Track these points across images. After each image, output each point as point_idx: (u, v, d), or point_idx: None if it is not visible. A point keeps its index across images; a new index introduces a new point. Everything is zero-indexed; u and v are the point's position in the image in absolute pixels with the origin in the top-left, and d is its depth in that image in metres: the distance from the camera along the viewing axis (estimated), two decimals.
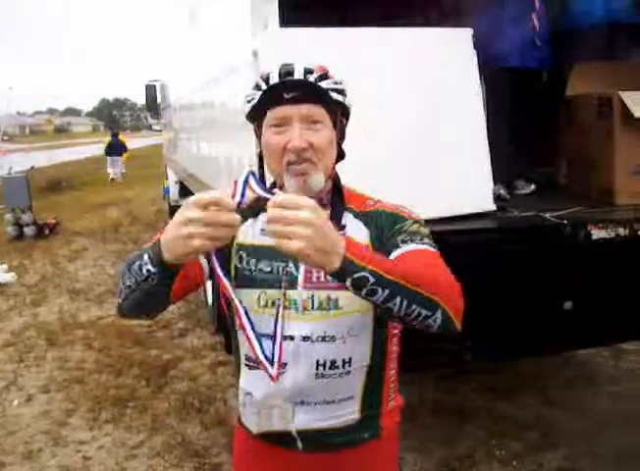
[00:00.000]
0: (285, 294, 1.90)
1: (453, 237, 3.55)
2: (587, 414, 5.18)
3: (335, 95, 1.92)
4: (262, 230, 1.94)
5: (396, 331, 2.06)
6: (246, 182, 1.67)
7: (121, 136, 28.90)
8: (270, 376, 1.83)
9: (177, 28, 8.92)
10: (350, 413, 2.00)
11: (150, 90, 13.69)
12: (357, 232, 1.94)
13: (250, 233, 1.98)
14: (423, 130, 3.75)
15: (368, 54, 3.70)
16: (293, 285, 1.93)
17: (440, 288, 1.72)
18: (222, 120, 5.47)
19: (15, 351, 7.27)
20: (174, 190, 13.83)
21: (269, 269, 1.94)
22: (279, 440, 2.04)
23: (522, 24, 4.90)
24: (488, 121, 4.00)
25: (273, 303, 1.93)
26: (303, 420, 1.98)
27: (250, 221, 1.98)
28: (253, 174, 1.68)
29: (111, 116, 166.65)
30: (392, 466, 2.19)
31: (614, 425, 4.96)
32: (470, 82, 3.95)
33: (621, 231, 3.92)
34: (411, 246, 1.85)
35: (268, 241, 1.82)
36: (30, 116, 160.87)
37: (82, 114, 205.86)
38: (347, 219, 1.97)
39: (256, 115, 1.96)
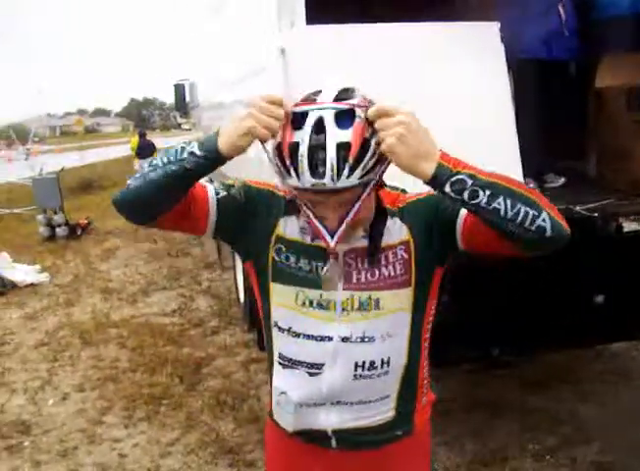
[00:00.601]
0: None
1: None
2: (620, 408, 5.14)
3: (369, 176, 1.74)
4: (302, 228, 1.95)
5: (429, 326, 2.06)
6: None
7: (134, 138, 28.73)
8: (327, 245, 1.81)
9: (205, 27, 8.96)
10: (385, 412, 2.02)
11: (179, 90, 13.74)
12: (396, 231, 1.94)
13: (290, 228, 1.96)
14: (451, 125, 3.74)
15: (395, 49, 3.70)
16: (330, 286, 1.92)
17: (537, 194, 1.71)
18: None
19: (49, 351, 7.33)
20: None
21: (308, 268, 1.93)
22: (313, 438, 2.06)
23: (549, 15, 4.88)
24: (516, 114, 3.99)
25: (311, 303, 1.93)
26: (339, 420, 1.99)
27: (293, 217, 1.97)
28: None
29: (140, 116, 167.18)
30: (424, 461, 2.20)
31: None
32: (498, 76, 3.94)
33: None
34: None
35: (308, 240, 1.92)
36: (61, 117, 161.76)
37: (112, 114, 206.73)
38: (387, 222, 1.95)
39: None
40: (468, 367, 5.33)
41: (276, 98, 1.70)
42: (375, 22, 3.82)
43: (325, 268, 1.88)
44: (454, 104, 3.78)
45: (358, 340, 1.92)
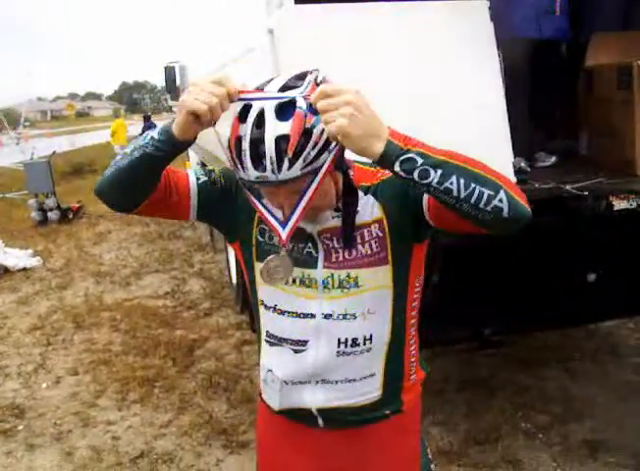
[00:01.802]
0: None
1: None
2: (612, 386, 5.17)
3: (315, 163, 1.72)
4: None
5: (415, 303, 2.06)
6: None
7: (120, 121, 28.60)
8: (279, 237, 1.81)
9: (194, 9, 8.91)
10: (372, 391, 2.02)
11: (169, 72, 13.65)
12: (369, 208, 1.93)
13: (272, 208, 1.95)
14: (441, 104, 3.74)
15: (384, 29, 3.68)
16: (314, 264, 1.94)
17: (496, 174, 1.66)
18: None
19: (42, 335, 7.33)
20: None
21: (291, 247, 1.93)
22: (300, 417, 2.06)
23: None
24: (507, 93, 3.98)
25: (294, 281, 1.94)
26: (324, 398, 2.00)
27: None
28: None
29: (131, 99, 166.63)
30: (414, 439, 2.20)
31: (638, 396, 4.95)
32: (488, 54, 3.93)
33: None
34: None
35: None
36: (51, 101, 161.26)
37: (103, 98, 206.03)
38: (359, 198, 1.93)
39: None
40: (460, 347, 5.36)
41: (221, 78, 1.68)
42: (364, 1, 3.81)
43: (268, 258, 1.90)
44: (443, 83, 3.77)
45: (340, 317, 1.93)
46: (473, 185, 1.59)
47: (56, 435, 5.09)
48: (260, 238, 1.99)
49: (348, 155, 1.82)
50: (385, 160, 1.59)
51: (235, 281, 7.31)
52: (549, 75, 4.89)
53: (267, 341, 2.07)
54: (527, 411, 4.88)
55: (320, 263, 1.94)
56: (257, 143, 1.68)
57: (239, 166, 1.73)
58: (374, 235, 1.93)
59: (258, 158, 1.69)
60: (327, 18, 3.63)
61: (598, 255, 4.09)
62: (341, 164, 1.85)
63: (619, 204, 3.87)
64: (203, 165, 11.30)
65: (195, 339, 6.78)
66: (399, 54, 3.65)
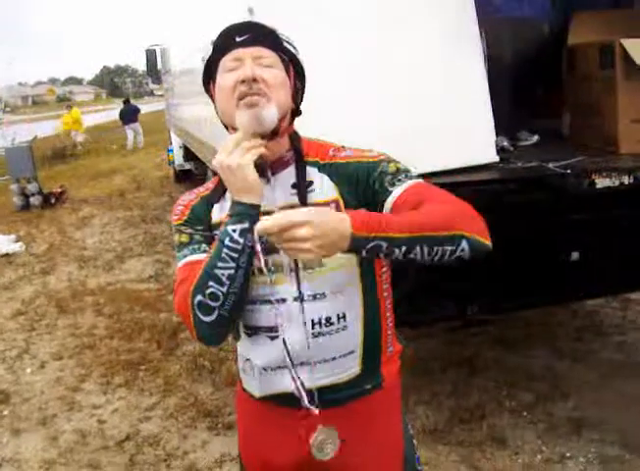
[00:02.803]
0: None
1: (457, 189, 3.54)
2: (596, 364, 5.20)
3: (287, 46, 1.92)
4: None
5: (384, 276, 2.05)
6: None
7: (73, 111, 28.49)
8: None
9: None
10: (352, 367, 2.00)
11: (151, 55, 13.62)
12: (325, 188, 1.93)
13: (218, 212, 1.99)
14: (422, 83, 3.73)
15: (364, 9, 3.67)
16: (276, 249, 1.88)
17: (455, 219, 1.73)
18: None
19: (26, 320, 7.32)
20: (178, 155, 13.84)
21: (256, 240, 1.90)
22: (282, 400, 2.05)
23: None
24: (489, 72, 3.97)
25: (260, 270, 1.90)
26: (305, 380, 1.97)
27: (220, 202, 2.00)
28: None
29: (112, 83, 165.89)
30: (396, 413, 2.19)
31: (623, 374, 4.98)
32: (470, 33, 3.92)
33: (625, 179, 3.90)
34: (402, 186, 1.84)
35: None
36: (32, 86, 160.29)
37: (84, 82, 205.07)
38: (313, 174, 1.95)
39: (210, 71, 1.96)
40: (445, 326, 5.37)
41: (238, 138, 1.78)
42: None
43: (316, 434, 2.00)
44: (424, 63, 3.76)
45: (310, 298, 1.91)
46: (436, 248, 1.69)
47: (41, 419, 5.08)
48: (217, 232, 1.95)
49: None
50: (352, 251, 1.66)
51: None
52: (531, 53, 4.89)
53: (245, 333, 2.05)
54: (512, 389, 4.89)
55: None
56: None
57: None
58: None
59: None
60: None
61: (581, 233, 4.09)
62: (296, 103, 1.96)
63: (602, 182, 3.87)
64: (186, 148, 11.27)
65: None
66: (379, 30, 3.64)
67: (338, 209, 1.88)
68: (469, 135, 3.86)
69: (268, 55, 1.86)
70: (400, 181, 1.85)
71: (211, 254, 1.80)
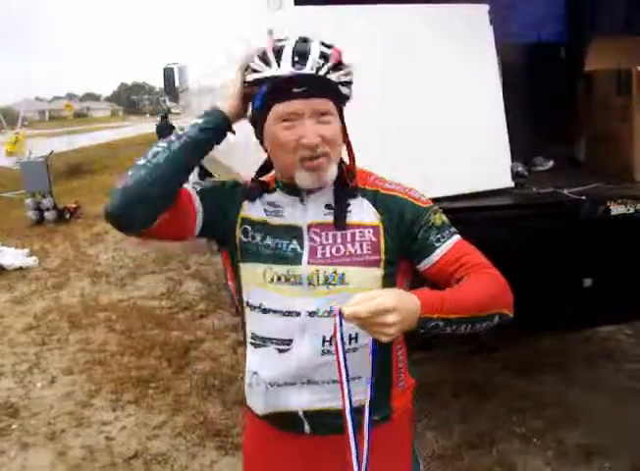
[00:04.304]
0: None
1: (472, 214, 3.55)
2: (607, 392, 5.16)
3: (344, 89, 1.90)
4: (265, 210, 1.98)
5: None
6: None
7: (20, 134, 28.29)
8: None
9: (193, 10, 8.92)
10: (359, 393, 1.90)
11: (168, 73, 13.68)
12: (365, 212, 1.95)
13: (255, 210, 1.99)
14: (439, 108, 3.74)
15: (384, 32, 3.68)
16: (298, 261, 1.93)
17: (496, 299, 1.86)
18: None
19: (37, 334, 7.32)
20: (193, 173, 13.87)
21: (275, 245, 1.94)
22: (286, 422, 2.04)
23: None
24: (505, 97, 3.97)
25: (279, 278, 1.93)
26: (310, 400, 1.97)
27: (257, 201, 2.00)
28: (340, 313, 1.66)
29: (130, 100, 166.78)
30: (404, 448, 2.16)
31: (635, 402, 4.94)
32: (487, 58, 3.93)
33: None
34: (446, 245, 1.91)
35: (274, 220, 1.96)
36: (50, 101, 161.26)
37: (101, 99, 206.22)
38: (352, 196, 1.97)
39: (262, 111, 1.89)
40: (455, 351, 5.34)
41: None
42: (364, 4, 3.81)
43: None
44: (442, 87, 3.77)
45: (325, 314, 1.90)
46: (477, 325, 1.81)
47: (50, 434, 5.07)
48: (243, 238, 1.98)
49: None
50: (413, 329, 1.70)
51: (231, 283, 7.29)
52: (547, 79, 4.89)
53: (252, 344, 2.04)
54: (522, 416, 4.86)
55: (304, 259, 1.93)
56: (301, 45, 1.85)
57: (272, 60, 1.84)
58: (367, 237, 1.94)
59: (299, 55, 1.83)
60: (327, 19, 3.62)
61: (595, 260, 4.08)
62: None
63: (617, 209, 3.87)
64: (200, 165, 11.29)
65: (191, 340, 6.77)
66: (398, 58, 3.66)
67: (376, 235, 1.94)
68: (485, 160, 3.86)
69: (325, 106, 1.84)
70: (444, 237, 1.92)
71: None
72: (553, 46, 5.03)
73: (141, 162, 1.85)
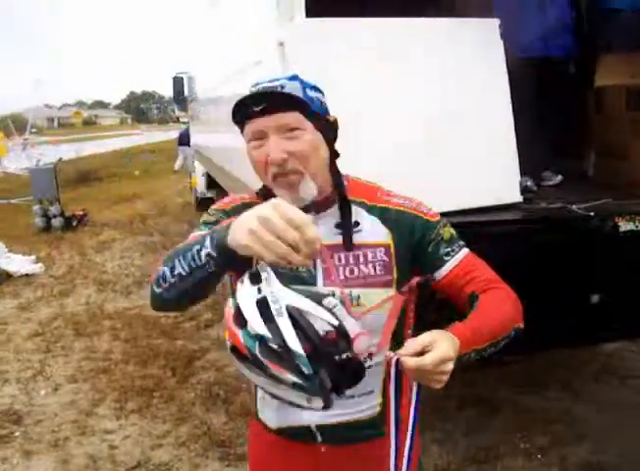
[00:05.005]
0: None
1: (480, 229, 3.53)
2: (614, 408, 5.14)
3: (310, 93, 1.85)
4: None
5: (411, 320, 2.00)
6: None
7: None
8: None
9: (203, 20, 8.93)
10: (371, 407, 1.99)
11: (177, 83, 13.74)
12: (375, 230, 1.94)
13: None
14: (449, 121, 3.73)
15: (394, 44, 3.68)
16: (313, 282, 1.91)
17: (514, 318, 1.89)
18: None
19: (42, 341, 7.32)
20: (201, 183, 13.90)
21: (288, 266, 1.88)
22: (298, 434, 2.03)
23: (546, 12, 4.87)
24: (514, 111, 3.97)
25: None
26: (323, 415, 1.92)
27: None
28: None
29: (139, 109, 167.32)
30: (413, 464, 2.15)
31: None
32: (497, 72, 3.92)
33: None
34: (456, 259, 1.94)
35: None
36: (59, 109, 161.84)
37: (110, 107, 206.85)
38: (361, 215, 1.95)
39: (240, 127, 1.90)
40: (461, 365, 5.32)
41: (295, 217, 1.45)
42: (375, 16, 3.81)
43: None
44: (451, 100, 3.76)
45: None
46: (500, 346, 1.82)
47: (53, 442, 5.07)
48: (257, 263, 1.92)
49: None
50: None
51: None
52: (557, 93, 4.88)
53: None
54: (527, 431, 4.85)
55: (320, 280, 1.92)
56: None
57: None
58: (379, 257, 1.93)
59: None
60: (338, 32, 3.62)
61: (602, 276, 4.06)
62: (333, 146, 1.93)
63: (626, 226, 3.85)
64: (209, 176, 11.29)
65: (196, 349, 6.76)
66: (408, 71, 3.65)
67: (387, 254, 1.93)
68: (494, 175, 3.85)
69: (291, 119, 1.80)
70: (453, 251, 1.94)
71: (192, 242, 1.72)
72: (562, 61, 5.02)
73: (170, 280, 1.75)
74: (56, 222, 13.96)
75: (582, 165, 5.10)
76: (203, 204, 14.76)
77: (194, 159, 14.09)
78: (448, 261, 1.92)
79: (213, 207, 2.06)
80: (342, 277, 1.90)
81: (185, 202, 17.31)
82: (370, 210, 1.95)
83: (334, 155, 1.95)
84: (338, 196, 1.95)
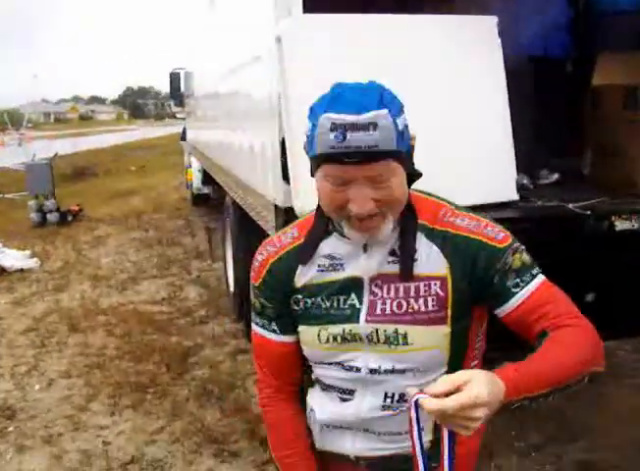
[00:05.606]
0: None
1: None
2: (607, 407, 5.13)
3: (399, 120, 1.64)
4: (319, 265, 1.82)
5: (474, 363, 1.91)
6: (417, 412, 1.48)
7: None
8: None
9: (200, 16, 8.92)
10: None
11: (174, 78, 13.73)
12: (432, 260, 1.75)
13: (306, 270, 1.83)
14: (446, 119, 3.72)
15: (392, 40, 3.67)
16: (355, 318, 1.78)
17: (586, 362, 1.66)
18: (245, 108, 5.46)
19: (37, 336, 7.31)
20: (197, 179, 13.89)
21: (329, 303, 1.80)
22: (339, 458, 1.95)
23: (544, 12, 4.87)
24: (511, 110, 3.96)
25: (335, 338, 1.80)
26: (363, 448, 1.88)
27: (308, 264, 1.83)
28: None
29: (135, 104, 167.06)
30: None
31: (635, 418, 4.92)
32: (495, 70, 3.92)
33: None
34: (526, 290, 1.72)
35: (330, 276, 1.80)
36: (55, 104, 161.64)
37: (107, 102, 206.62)
38: (418, 241, 1.75)
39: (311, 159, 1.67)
40: None
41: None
42: (371, 12, 3.80)
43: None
44: (450, 98, 3.76)
45: (388, 372, 1.78)
46: (567, 391, 1.63)
47: (46, 437, 5.06)
48: (295, 307, 1.86)
49: None
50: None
51: (232, 289, 7.28)
52: (554, 92, 4.89)
53: (318, 383, 1.94)
54: (521, 430, 4.83)
55: (362, 317, 1.77)
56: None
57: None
58: (432, 292, 1.74)
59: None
60: (335, 27, 3.62)
61: (597, 275, 4.06)
62: (411, 167, 1.72)
63: (622, 224, 3.86)
64: (205, 172, 11.28)
65: (190, 346, 6.75)
66: (405, 67, 3.64)
67: (442, 288, 1.74)
68: (490, 172, 3.84)
69: (382, 169, 1.59)
70: (523, 282, 1.72)
71: None
72: (559, 60, 5.03)
73: None
74: (51, 217, 13.96)
75: (579, 164, 5.10)
76: (199, 200, 14.76)
77: (190, 154, 14.07)
78: (516, 293, 1.70)
79: (252, 282, 1.96)
80: (388, 311, 1.76)
81: (180, 198, 17.31)
82: (429, 235, 1.76)
83: (410, 178, 1.73)
84: (400, 220, 1.75)
